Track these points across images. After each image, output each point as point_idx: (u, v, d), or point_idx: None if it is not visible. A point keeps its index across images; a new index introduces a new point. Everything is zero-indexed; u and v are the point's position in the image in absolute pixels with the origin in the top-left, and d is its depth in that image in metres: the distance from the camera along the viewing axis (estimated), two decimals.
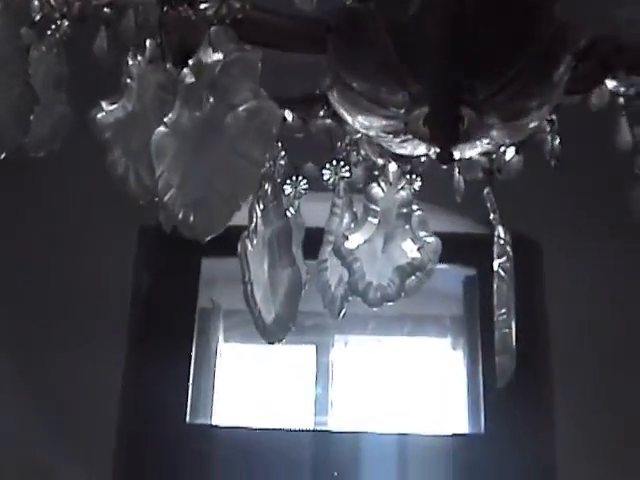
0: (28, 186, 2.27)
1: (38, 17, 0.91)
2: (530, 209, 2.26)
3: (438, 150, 0.69)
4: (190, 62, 0.62)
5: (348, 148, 0.98)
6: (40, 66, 0.90)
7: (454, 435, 2.28)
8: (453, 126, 0.68)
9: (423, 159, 0.95)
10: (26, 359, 2.17)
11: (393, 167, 0.87)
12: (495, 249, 0.88)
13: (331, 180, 0.99)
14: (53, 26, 0.91)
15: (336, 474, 2.22)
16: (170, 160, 0.59)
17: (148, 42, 0.74)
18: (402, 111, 0.70)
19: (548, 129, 0.82)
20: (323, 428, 2.31)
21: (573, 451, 2.21)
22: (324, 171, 0.99)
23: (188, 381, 2.25)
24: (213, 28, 0.62)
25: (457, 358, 2.41)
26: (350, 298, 0.98)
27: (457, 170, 0.98)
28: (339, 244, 0.85)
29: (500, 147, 0.83)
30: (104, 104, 0.71)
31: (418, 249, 0.86)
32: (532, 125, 0.73)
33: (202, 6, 0.63)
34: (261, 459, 2.21)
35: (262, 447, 2.22)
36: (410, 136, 0.71)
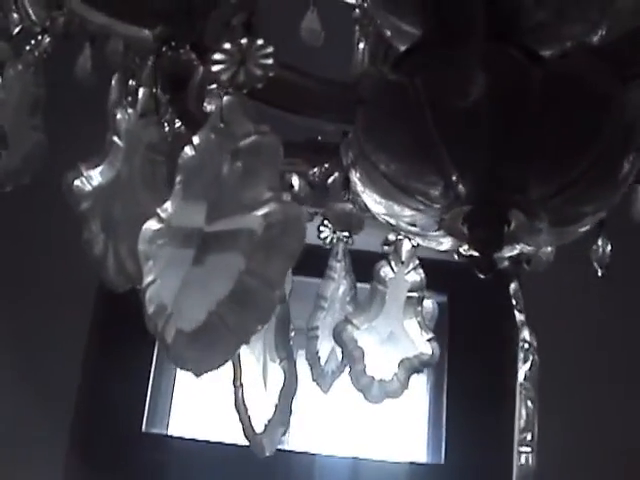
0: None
1: (17, 31, 0.78)
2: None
3: (476, 255, 0.56)
4: (195, 140, 0.47)
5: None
6: (15, 86, 0.77)
7: (412, 464, 2.17)
8: (498, 230, 0.55)
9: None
10: None
11: (407, 245, 0.74)
12: (520, 355, 0.75)
13: (328, 239, 0.86)
14: (33, 42, 0.78)
15: None
16: (162, 267, 0.45)
17: (140, 92, 0.60)
18: (438, 206, 0.56)
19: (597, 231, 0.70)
20: (281, 447, 2.18)
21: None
22: (322, 228, 0.86)
23: (147, 389, 2.12)
24: (227, 99, 0.48)
25: (421, 384, 2.29)
26: (341, 373, 0.85)
27: None
28: (341, 329, 0.72)
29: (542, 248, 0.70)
30: (83, 168, 0.56)
31: (428, 340, 0.73)
32: (583, 230, 0.60)
33: (214, 68, 0.49)
34: (215, 473, 2.11)
35: (217, 461, 2.10)
36: (443, 233, 0.58)
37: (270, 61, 0.49)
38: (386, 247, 0.76)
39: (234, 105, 0.48)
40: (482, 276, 0.56)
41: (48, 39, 0.78)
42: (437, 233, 0.58)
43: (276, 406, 0.62)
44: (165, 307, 0.44)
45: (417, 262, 0.75)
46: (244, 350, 0.63)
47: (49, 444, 2.04)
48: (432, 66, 0.52)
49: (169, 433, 2.18)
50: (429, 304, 0.87)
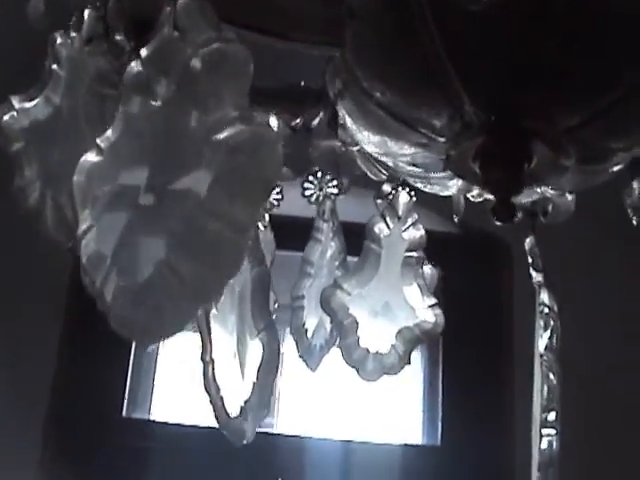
0: None
1: None
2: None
3: (493, 198, 0.46)
4: (143, 53, 0.38)
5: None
6: None
7: (406, 446, 2.11)
8: (518, 168, 0.45)
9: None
10: None
11: (404, 197, 0.64)
12: (537, 321, 0.65)
13: (314, 197, 0.76)
14: None
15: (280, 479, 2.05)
16: (102, 210, 0.35)
17: (87, 13, 0.51)
18: (444, 139, 0.47)
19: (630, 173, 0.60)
20: (269, 430, 2.12)
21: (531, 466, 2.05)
22: (306, 184, 0.76)
23: (127, 371, 2.06)
24: (182, 0, 0.39)
25: (416, 364, 2.22)
26: (331, 348, 0.76)
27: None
28: (329, 294, 0.63)
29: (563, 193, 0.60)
30: (15, 101, 0.47)
31: (430, 306, 0.64)
32: (615, 169, 0.51)
33: None
34: (200, 459, 2.05)
35: (202, 446, 2.04)
36: (450, 174, 0.49)
37: None
38: (380, 200, 0.67)
39: (191, 7, 0.39)
40: (499, 224, 0.46)
41: None
42: (443, 174, 0.49)
43: (254, 385, 0.53)
44: (104, 258, 0.34)
45: (416, 217, 0.65)
46: (214, 321, 0.54)
47: (25, 431, 1.98)
48: None
49: (151, 418, 2.12)
50: (428, 269, 0.78)
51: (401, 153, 0.50)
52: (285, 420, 2.15)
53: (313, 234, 0.77)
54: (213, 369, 0.51)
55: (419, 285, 0.65)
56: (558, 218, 0.62)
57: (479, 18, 0.43)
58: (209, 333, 0.52)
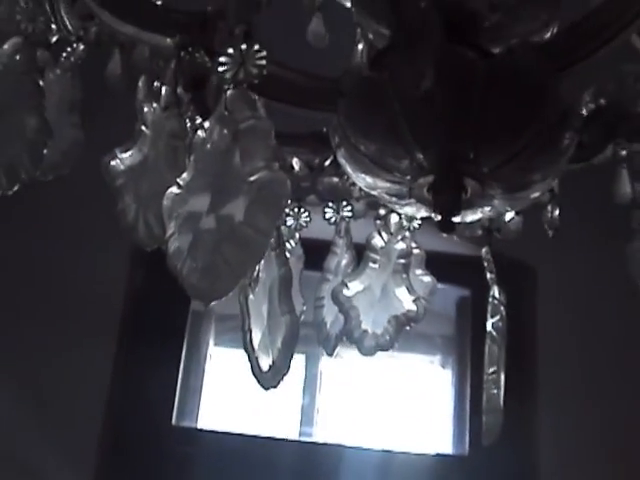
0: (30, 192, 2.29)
1: (54, 40, 0.93)
2: (526, 234, 2.28)
3: (440, 217, 0.72)
4: (206, 125, 0.64)
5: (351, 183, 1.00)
6: (54, 89, 0.92)
7: (437, 455, 2.31)
8: (456, 196, 0.70)
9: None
10: (15, 357, 2.20)
11: (395, 218, 0.90)
12: (489, 308, 0.90)
13: (333, 219, 1.02)
14: (69, 49, 0.93)
15: None
16: (181, 222, 0.61)
17: (164, 89, 0.77)
18: (407, 177, 0.72)
19: (548, 198, 0.85)
20: (308, 439, 2.34)
21: (557, 476, 2.25)
22: (326, 209, 1.02)
23: (176, 383, 2.28)
24: (230, 92, 0.65)
25: (446, 377, 2.44)
26: (344, 336, 1.01)
27: None
28: (338, 291, 0.88)
29: (502, 214, 0.86)
30: (118, 151, 0.73)
31: (414, 300, 0.89)
32: (534, 196, 0.76)
33: (220, 69, 0.65)
34: (244, 466, 2.24)
35: (246, 454, 2.25)
36: (414, 200, 0.74)
37: (264, 62, 0.66)
38: (378, 221, 0.92)
39: (236, 97, 0.65)
40: (445, 235, 0.71)
41: (82, 47, 0.94)
42: (409, 201, 0.74)
43: (279, 350, 0.78)
44: (182, 251, 0.60)
45: (405, 233, 0.91)
46: (251, 305, 0.80)
47: (81, 439, 2.19)
48: (395, 64, 0.68)
49: (198, 426, 2.34)
50: (428, 278, 1.03)
51: (380, 187, 0.75)
52: (324, 430, 2.37)
53: (332, 248, 1.03)
54: (251, 337, 0.76)
55: (405, 284, 0.90)
56: (510, 235, 0.87)
57: (423, 97, 0.68)
58: (248, 312, 0.77)
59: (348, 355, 2.49)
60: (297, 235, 1.03)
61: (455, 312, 2.45)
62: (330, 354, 1.00)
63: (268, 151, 0.62)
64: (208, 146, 0.63)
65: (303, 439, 2.35)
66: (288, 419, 2.34)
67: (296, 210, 1.01)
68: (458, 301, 2.43)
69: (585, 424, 2.27)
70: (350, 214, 1.01)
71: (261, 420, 2.33)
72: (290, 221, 1.01)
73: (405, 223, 0.92)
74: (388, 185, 0.74)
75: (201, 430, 2.34)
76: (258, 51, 0.66)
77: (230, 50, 0.66)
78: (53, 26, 0.93)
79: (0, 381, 2.14)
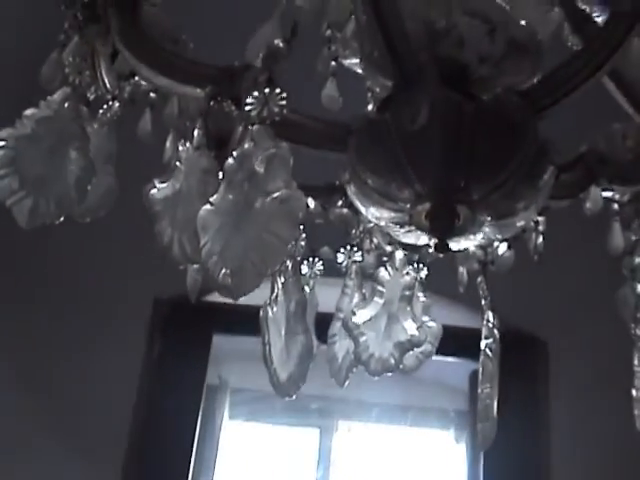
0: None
1: (92, 97, 1.07)
2: (538, 309, 2.41)
3: (436, 241, 0.85)
4: (234, 153, 0.78)
5: (362, 236, 1.15)
6: (92, 141, 1.06)
7: None
8: (450, 221, 0.84)
9: (430, 251, 1.12)
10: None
11: (400, 254, 1.03)
12: (483, 331, 1.03)
13: (344, 263, 1.16)
14: (105, 106, 1.07)
15: None
16: (213, 233, 0.75)
17: (196, 132, 0.92)
18: (408, 206, 0.86)
19: (534, 228, 0.99)
20: None
21: None
22: (338, 255, 1.16)
23: (191, 455, 2.38)
24: (255, 126, 0.79)
25: (459, 451, 2.53)
26: (355, 370, 1.14)
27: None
28: (347, 319, 1.01)
29: (493, 242, 0.99)
30: (156, 182, 0.88)
31: (417, 328, 1.02)
32: (520, 224, 0.89)
33: (247, 108, 0.80)
34: None
35: None
36: (413, 227, 0.87)
37: (284, 102, 0.81)
38: (385, 258, 1.06)
39: (260, 131, 0.79)
40: (440, 255, 0.85)
41: (117, 104, 1.08)
42: (410, 228, 0.88)
43: (296, 364, 0.91)
44: (214, 255, 0.74)
45: (409, 268, 1.04)
46: (271, 323, 0.93)
47: None
48: (396, 105, 0.83)
49: None
50: (434, 324, 1.16)
51: (385, 217, 0.89)
52: None
53: (343, 289, 1.16)
54: (269, 349, 0.89)
55: (410, 313, 1.03)
56: (502, 268, 1.01)
57: (420, 133, 0.82)
58: (268, 328, 0.90)
59: (361, 429, 2.59)
60: (312, 282, 1.16)
61: (468, 386, 2.55)
62: (341, 385, 1.12)
63: (287, 174, 0.76)
64: (236, 170, 0.77)
65: None
66: None
67: (311, 259, 1.15)
68: (471, 375, 2.54)
69: None
70: (360, 258, 1.15)
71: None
72: (305, 269, 1.14)
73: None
74: (392, 214, 0.88)
75: None
76: (279, 93, 0.81)
77: (255, 93, 0.81)
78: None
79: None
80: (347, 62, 1.13)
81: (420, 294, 1.13)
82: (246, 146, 0.79)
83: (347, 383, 1.14)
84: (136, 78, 1.07)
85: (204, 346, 2.46)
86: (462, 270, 1.16)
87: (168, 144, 1.02)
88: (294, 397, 0.92)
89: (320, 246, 1.17)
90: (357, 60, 1.08)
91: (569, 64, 0.87)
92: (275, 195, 0.74)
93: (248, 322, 2.37)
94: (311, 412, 2.48)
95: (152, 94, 1.09)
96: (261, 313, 0.92)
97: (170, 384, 2.42)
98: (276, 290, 0.94)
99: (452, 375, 2.55)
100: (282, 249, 0.74)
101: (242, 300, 2.33)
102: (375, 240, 1.14)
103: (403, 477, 2.51)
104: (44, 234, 2.51)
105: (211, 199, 0.78)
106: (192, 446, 2.40)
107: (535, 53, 0.91)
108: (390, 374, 1.03)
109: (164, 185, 0.88)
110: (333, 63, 1.17)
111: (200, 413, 2.44)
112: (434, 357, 2.53)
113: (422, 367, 2.58)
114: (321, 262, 1.16)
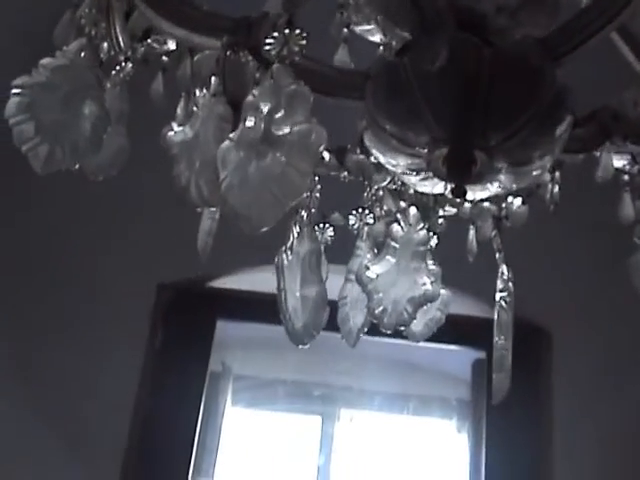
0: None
1: (105, 58, 1.08)
2: (543, 300, 2.42)
3: (453, 186, 0.86)
4: (255, 91, 0.79)
5: (374, 199, 1.15)
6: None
7: None
8: (467, 166, 0.85)
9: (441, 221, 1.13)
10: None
11: (413, 210, 1.04)
12: (498, 283, 1.04)
13: (356, 225, 1.16)
14: (118, 67, 1.08)
15: None
16: (233, 167, 0.76)
17: (213, 79, 0.92)
18: (425, 151, 0.87)
19: (549, 179, 1.00)
20: None
21: None
22: (350, 217, 1.16)
23: (193, 441, 2.38)
24: (276, 65, 0.80)
25: (461, 441, 2.53)
26: (366, 329, 1.14)
27: (471, 229, 1.15)
28: (361, 273, 1.02)
29: (508, 193, 1.00)
30: (174, 124, 0.88)
31: (431, 282, 1.02)
32: (535, 173, 0.90)
33: (266, 47, 0.81)
34: None
35: None
36: (430, 174, 0.88)
37: (304, 42, 0.81)
38: (398, 214, 1.06)
39: (280, 70, 0.80)
40: (457, 199, 0.85)
41: (130, 65, 1.09)
42: (426, 174, 0.88)
43: (310, 312, 0.92)
44: (235, 186, 0.74)
45: (422, 225, 1.05)
46: (287, 271, 0.93)
47: None
48: (414, 48, 0.84)
49: None
50: (445, 292, 1.16)
51: (402, 164, 0.89)
52: None
53: (354, 251, 1.17)
54: (285, 296, 0.90)
55: (423, 268, 1.04)
56: (516, 222, 1.01)
57: (438, 74, 0.83)
58: (283, 275, 0.91)
59: (364, 417, 2.59)
60: (322, 248, 1.16)
61: (471, 375, 2.55)
62: (352, 345, 1.12)
63: (307, 109, 0.77)
64: (257, 106, 0.78)
65: None
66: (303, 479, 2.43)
67: (322, 225, 1.15)
68: (474, 364, 2.54)
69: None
70: (371, 220, 1.15)
71: (277, 479, 2.42)
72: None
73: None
74: (409, 161, 0.88)
75: None
76: (299, 34, 0.81)
77: (275, 34, 0.82)
78: (105, 45, 1.07)
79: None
80: (359, 29, 1.14)
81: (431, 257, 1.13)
82: (266, 83, 0.79)
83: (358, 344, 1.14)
84: (149, 40, 1.08)
85: (208, 332, 2.46)
86: (471, 238, 1.16)
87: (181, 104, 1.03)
88: (307, 346, 0.92)
89: (331, 212, 1.18)
90: (369, 27, 1.09)
91: (585, 12, 0.87)
92: (295, 129, 0.75)
93: (252, 308, 2.39)
94: (313, 399, 2.49)
95: (164, 57, 1.10)
96: (276, 260, 0.92)
97: (173, 370, 2.42)
98: (292, 238, 0.95)
99: (455, 364, 2.55)
100: (302, 183, 0.74)
101: (246, 286, 2.38)
102: (385, 207, 1.14)
103: (405, 466, 2.51)
104: (44, 220, 2.53)
105: (231, 135, 0.78)
106: (194, 432, 2.40)
107: (552, 6, 0.92)
108: (402, 328, 1.04)
109: (182, 128, 0.88)
110: (345, 30, 1.18)
111: (203, 399, 2.44)
112: (436, 345, 2.54)
113: (425, 356, 2.58)
114: (332, 228, 1.16)
